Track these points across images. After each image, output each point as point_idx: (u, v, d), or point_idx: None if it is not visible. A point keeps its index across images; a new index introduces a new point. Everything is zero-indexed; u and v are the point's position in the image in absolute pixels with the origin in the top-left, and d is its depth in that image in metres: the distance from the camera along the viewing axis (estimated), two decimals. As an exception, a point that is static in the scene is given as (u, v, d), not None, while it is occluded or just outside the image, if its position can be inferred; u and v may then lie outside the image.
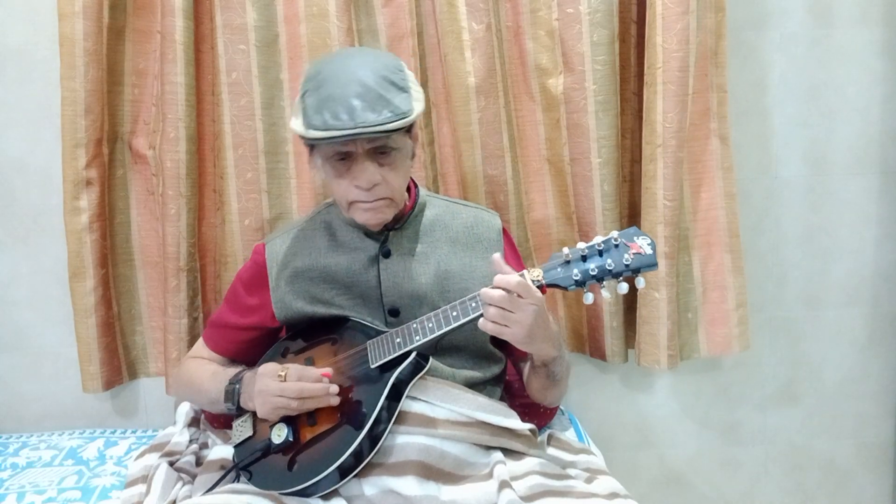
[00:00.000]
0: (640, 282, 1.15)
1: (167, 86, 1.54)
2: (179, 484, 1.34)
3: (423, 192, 1.41)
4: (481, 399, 1.26)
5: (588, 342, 1.75)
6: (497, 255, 1.16)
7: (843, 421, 1.93)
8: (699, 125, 1.63)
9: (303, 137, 1.23)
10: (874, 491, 1.97)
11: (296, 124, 1.23)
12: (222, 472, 1.28)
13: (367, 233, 1.34)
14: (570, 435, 1.52)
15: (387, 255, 1.34)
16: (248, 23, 1.58)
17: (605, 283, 1.15)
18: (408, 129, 1.27)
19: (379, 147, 1.24)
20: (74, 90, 1.54)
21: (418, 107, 1.24)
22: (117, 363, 1.69)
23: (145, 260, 1.69)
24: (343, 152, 1.24)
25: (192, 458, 1.43)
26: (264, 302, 1.37)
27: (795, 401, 1.91)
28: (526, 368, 1.38)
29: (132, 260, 1.70)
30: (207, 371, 1.39)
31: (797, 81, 1.77)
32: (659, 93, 1.54)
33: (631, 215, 1.71)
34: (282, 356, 1.35)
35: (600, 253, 1.14)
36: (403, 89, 1.22)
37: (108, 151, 1.64)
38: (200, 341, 1.47)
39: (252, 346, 1.42)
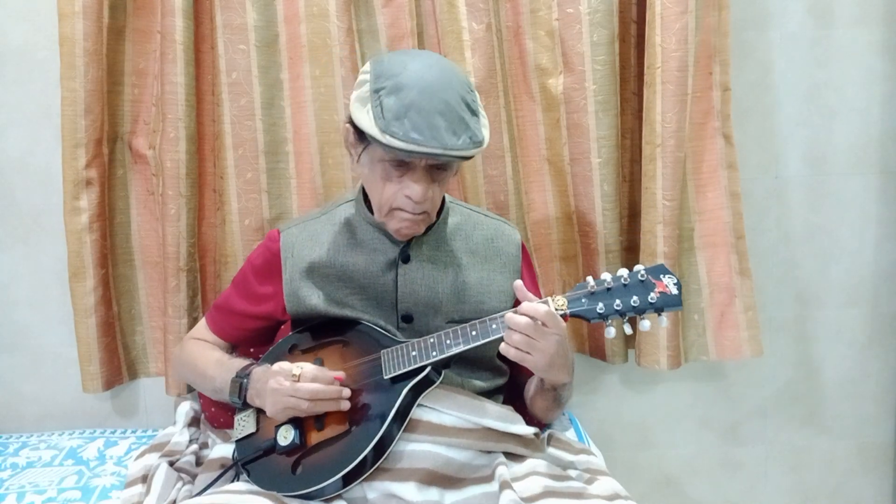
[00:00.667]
0: (663, 320, 1.16)
1: (167, 86, 1.54)
2: (179, 484, 1.34)
3: (447, 198, 1.40)
4: (489, 405, 1.26)
5: (588, 342, 1.76)
6: (519, 282, 1.17)
7: (843, 421, 1.93)
8: (703, 124, 1.63)
9: (374, 139, 1.16)
10: (874, 491, 1.97)
11: (364, 118, 1.17)
12: (222, 470, 1.28)
13: (389, 235, 1.33)
14: (570, 435, 1.52)
15: (406, 260, 1.32)
16: (248, 23, 1.58)
17: (627, 318, 1.15)
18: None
19: (439, 165, 1.22)
20: (74, 90, 1.54)
21: (487, 134, 1.22)
22: (117, 363, 1.69)
23: (145, 260, 1.69)
24: (403, 162, 1.21)
25: (192, 458, 1.42)
26: (276, 292, 1.36)
27: (795, 401, 1.91)
28: (531, 388, 1.38)
29: (132, 260, 1.70)
30: (212, 357, 1.38)
31: (797, 81, 1.77)
32: (658, 93, 1.54)
33: (631, 215, 1.71)
34: (289, 353, 1.34)
35: (626, 287, 1.15)
36: (475, 113, 1.20)
37: (108, 151, 1.63)
38: (203, 322, 1.46)
39: (257, 335, 1.42)
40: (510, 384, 1.46)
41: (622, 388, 1.87)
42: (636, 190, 1.70)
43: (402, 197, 1.22)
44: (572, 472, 1.29)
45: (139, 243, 1.69)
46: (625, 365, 1.74)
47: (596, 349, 1.74)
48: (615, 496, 1.20)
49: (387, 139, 1.14)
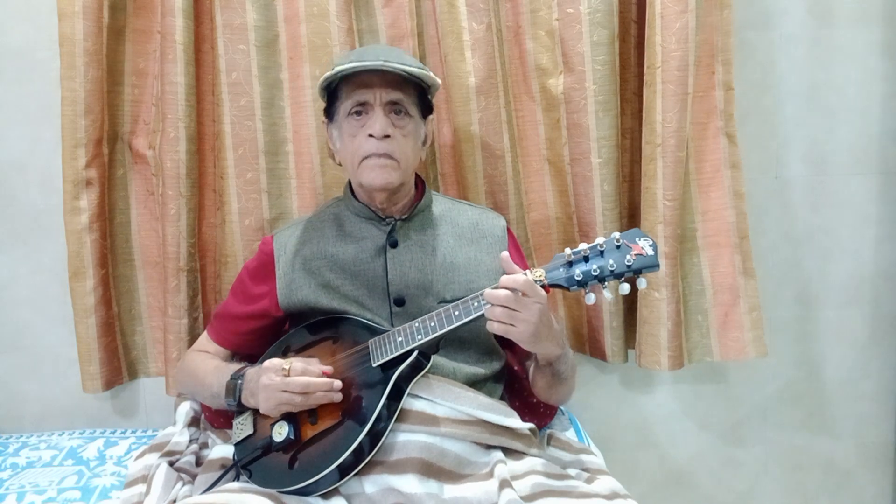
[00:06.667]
0: (642, 282, 1.16)
1: (167, 86, 1.54)
2: (179, 484, 1.34)
3: (430, 190, 1.44)
4: (482, 398, 1.26)
5: (588, 342, 1.75)
6: (506, 254, 1.18)
7: (843, 421, 1.93)
8: (706, 124, 1.62)
9: (328, 79, 1.32)
10: (874, 491, 1.97)
11: (322, 83, 1.34)
12: (222, 472, 1.28)
13: (375, 223, 1.37)
14: (570, 435, 1.52)
15: (394, 244, 1.35)
16: (248, 23, 1.59)
17: (606, 283, 1.15)
18: (423, 111, 1.38)
19: (395, 103, 1.32)
20: (74, 90, 1.54)
21: (437, 80, 1.36)
22: (117, 363, 1.69)
23: (145, 260, 1.69)
24: (361, 102, 1.31)
25: (192, 458, 1.43)
26: (270, 290, 1.38)
27: (795, 401, 1.91)
28: (531, 368, 1.39)
29: (132, 260, 1.70)
30: (210, 365, 1.39)
31: (797, 81, 1.77)
32: (658, 92, 1.54)
33: (631, 215, 1.71)
34: (283, 354, 1.34)
35: (602, 254, 1.15)
36: (421, 68, 1.33)
37: (108, 151, 1.63)
38: (205, 335, 1.48)
39: (256, 338, 1.43)
40: (514, 374, 1.46)
41: (622, 389, 1.87)
42: (636, 190, 1.69)
43: (366, 140, 1.31)
44: (572, 472, 1.29)
45: (139, 243, 1.69)
46: (625, 365, 1.74)
47: (596, 349, 1.74)
48: (615, 495, 1.20)
49: (335, 69, 1.29)
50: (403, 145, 1.32)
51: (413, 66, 1.31)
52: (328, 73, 1.31)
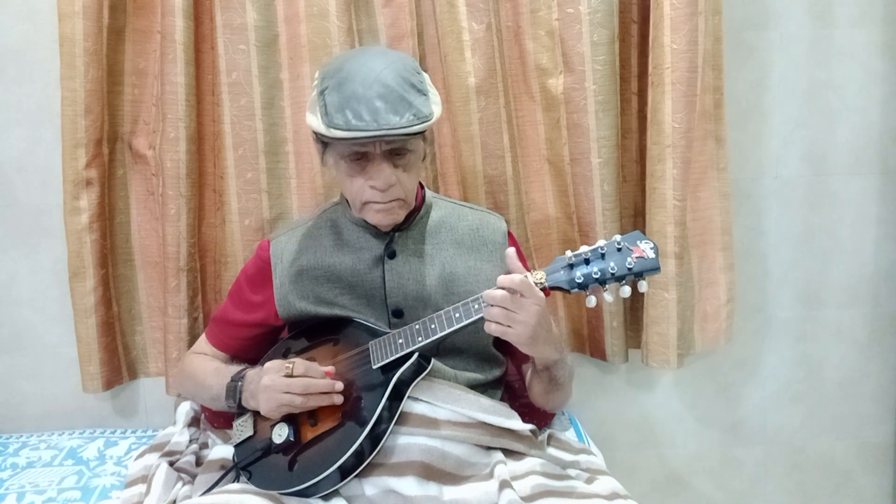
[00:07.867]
0: (643, 285, 1.16)
1: (167, 86, 1.55)
2: (179, 484, 1.34)
3: (429, 193, 1.42)
4: (483, 400, 1.26)
5: (588, 342, 1.76)
6: (511, 250, 1.17)
7: (843, 421, 1.93)
8: (697, 126, 1.63)
9: (322, 135, 1.23)
10: (874, 491, 1.97)
11: (313, 121, 1.23)
12: (222, 472, 1.28)
13: (373, 233, 1.35)
14: (570, 435, 1.52)
15: (392, 255, 1.34)
16: (248, 23, 1.59)
17: (607, 286, 1.15)
18: (423, 132, 1.27)
19: (396, 149, 1.25)
20: (74, 90, 1.54)
21: (437, 110, 1.25)
22: (117, 363, 1.69)
23: (145, 260, 1.69)
24: (360, 152, 1.24)
25: (192, 458, 1.43)
26: (268, 299, 1.38)
27: (795, 401, 1.91)
28: (528, 372, 1.38)
29: (132, 260, 1.70)
30: (210, 367, 1.39)
31: (797, 81, 1.77)
32: (667, 93, 1.54)
33: (631, 215, 1.71)
34: (283, 356, 1.34)
35: (603, 256, 1.15)
36: (422, 92, 1.24)
37: (108, 151, 1.63)
38: (203, 338, 1.48)
39: (254, 344, 1.43)
40: (514, 375, 1.45)
41: (622, 388, 1.87)
42: (636, 190, 1.70)
43: (369, 189, 1.26)
44: (572, 472, 1.29)
45: (139, 243, 1.69)
46: (625, 365, 1.74)
47: (596, 349, 1.74)
48: (615, 496, 1.20)
49: (332, 132, 1.19)
50: (406, 182, 1.28)
51: (413, 120, 1.20)
52: (322, 130, 1.20)
